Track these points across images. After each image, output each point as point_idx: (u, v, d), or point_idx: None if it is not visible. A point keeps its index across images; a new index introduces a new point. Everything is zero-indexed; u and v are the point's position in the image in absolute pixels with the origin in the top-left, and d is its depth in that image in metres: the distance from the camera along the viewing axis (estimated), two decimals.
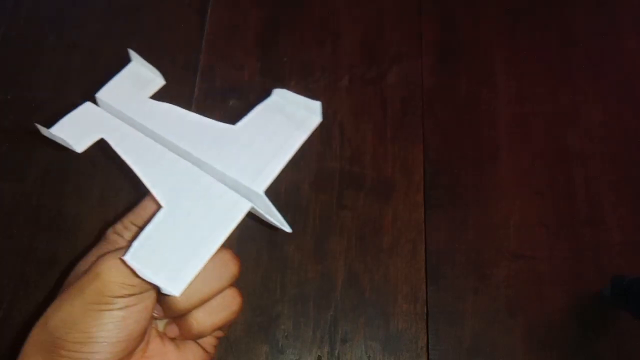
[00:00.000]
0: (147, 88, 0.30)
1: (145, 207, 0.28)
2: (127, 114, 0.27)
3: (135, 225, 0.28)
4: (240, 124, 0.26)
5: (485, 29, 0.51)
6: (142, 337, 0.25)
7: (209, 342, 0.28)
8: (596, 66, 0.49)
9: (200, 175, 0.25)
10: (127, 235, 0.28)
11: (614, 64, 0.49)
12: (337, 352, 0.41)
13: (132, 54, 0.29)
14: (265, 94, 0.49)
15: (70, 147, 0.26)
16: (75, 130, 0.27)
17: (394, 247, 0.43)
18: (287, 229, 0.25)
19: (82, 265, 0.27)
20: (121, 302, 0.23)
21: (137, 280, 0.23)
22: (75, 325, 0.23)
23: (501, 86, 0.48)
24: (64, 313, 0.23)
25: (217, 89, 0.49)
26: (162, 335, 0.27)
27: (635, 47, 0.50)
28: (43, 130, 0.26)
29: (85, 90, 0.50)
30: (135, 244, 0.22)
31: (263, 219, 0.25)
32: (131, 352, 0.24)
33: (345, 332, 0.41)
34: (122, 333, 0.23)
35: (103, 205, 0.45)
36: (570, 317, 0.41)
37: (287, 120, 0.26)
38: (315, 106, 0.26)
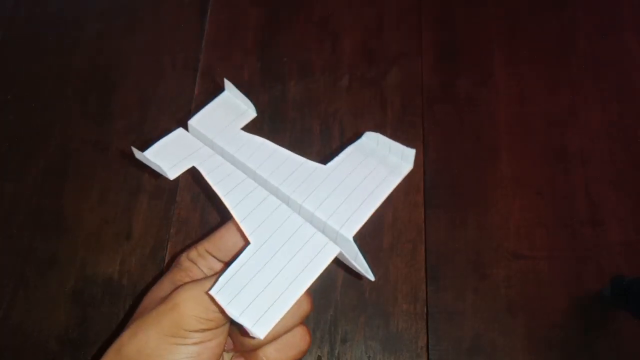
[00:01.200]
0: (239, 119, 0.29)
1: (222, 236, 0.27)
2: (218, 143, 0.27)
3: (210, 254, 0.28)
4: (331, 164, 0.26)
5: (485, 29, 0.51)
6: None
7: None
8: (596, 66, 0.49)
9: (289, 214, 0.24)
10: (202, 263, 0.28)
11: (614, 64, 0.49)
12: (337, 352, 0.41)
13: (227, 83, 0.29)
14: (265, 94, 0.49)
15: (163, 174, 0.26)
16: (168, 157, 0.27)
17: (394, 247, 0.43)
18: (371, 277, 0.24)
19: (156, 291, 0.26)
20: (197, 336, 0.23)
21: (214, 315, 0.23)
22: (151, 355, 0.23)
23: (501, 86, 0.48)
24: (139, 342, 0.23)
25: (217, 89, 0.49)
26: None
27: (635, 47, 0.50)
28: (137, 153, 0.26)
29: (85, 90, 0.50)
30: (222, 279, 0.22)
31: (347, 263, 0.25)
32: None
33: (345, 332, 0.41)
34: None
35: (103, 205, 0.45)
36: (570, 317, 0.41)
37: (378, 165, 0.26)
38: (409, 153, 0.26)
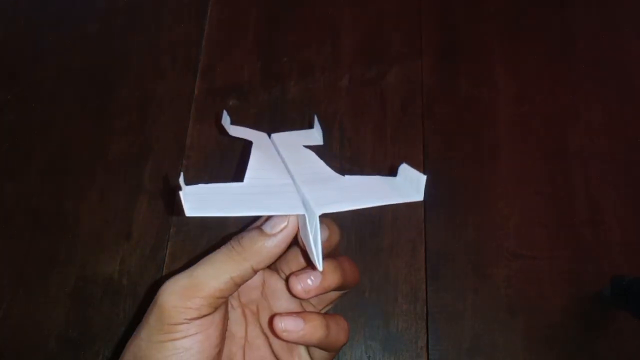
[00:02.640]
0: (306, 140, 0.36)
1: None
2: (278, 147, 0.33)
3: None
4: (351, 176, 0.28)
5: (485, 29, 0.51)
6: None
7: None
8: (596, 66, 0.49)
9: (288, 183, 0.26)
10: None
11: (614, 64, 0.49)
12: None
13: (316, 120, 0.38)
14: (265, 94, 0.49)
15: (227, 130, 0.35)
16: (241, 131, 0.36)
17: (394, 247, 0.43)
18: (319, 266, 0.24)
19: None
20: (182, 329, 0.23)
21: (193, 302, 0.23)
22: (143, 358, 0.23)
23: (501, 86, 0.48)
24: (135, 347, 0.23)
25: (217, 89, 0.49)
26: None
27: (635, 47, 0.50)
28: (224, 118, 0.34)
29: (85, 90, 0.50)
30: (198, 185, 0.23)
31: (306, 245, 0.25)
32: None
33: None
34: None
35: (103, 205, 0.45)
36: (570, 317, 0.41)
37: (390, 185, 0.27)
38: (421, 183, 0.26)
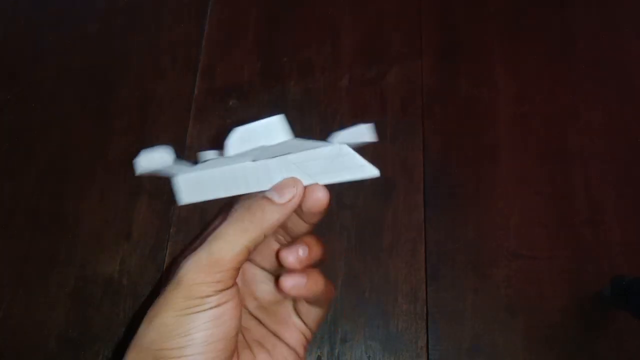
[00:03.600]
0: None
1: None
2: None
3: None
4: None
5: (485, 29, 0.51)
6: (236, 337, 0.25)
7: (299, 341, 0.29)
8: (596, 66, 0.49)
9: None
10: None
11: (614, 64, 0.49)
12: (337, 352, 0.41)
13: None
14: (265, 94, 0.49)
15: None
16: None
17: (394, 247, 0.43)
18: (376, 172, 0.26)
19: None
20: (212, 300, 0.24)
21: (219, 275, 0.24)
22: (173, 332, 0.23)
23: (501, 86, 0.48)
24: (157, 326, 0.24)
25: (217, 89, 0.49)
26: (251, 346, 0.28)
27: (635, 47, 0.50)
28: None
29: (85, 90, 0.50)
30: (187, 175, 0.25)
31: (336, 180, 0.26)
32: (230, 356, 0.25)
33: (345, 332, 0.41)
34: (220, 330, 0.24)
35: (103, 205, 0.45)
36: (570, 317, 0.41)
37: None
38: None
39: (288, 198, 0.25)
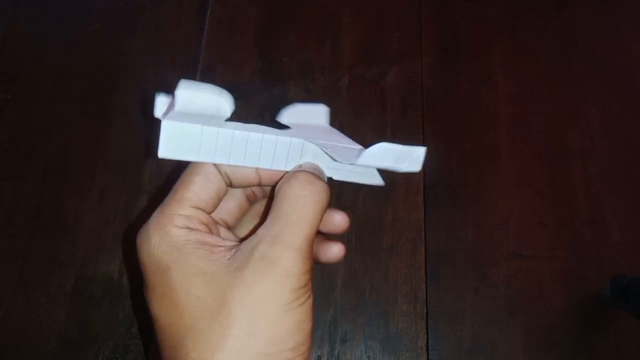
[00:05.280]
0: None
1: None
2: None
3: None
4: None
5: (485, 29, 0.51)
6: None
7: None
8: (596, 66, 0.49)
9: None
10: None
11: (614, 64, 0.49)
12: (336, 352, 0.41)
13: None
14: (265, 94, 0.49)
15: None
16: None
17: (394, 247, 0.43)
18: (382, 181, 0.25)
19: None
20: (306, 292, 0.22)
21: (310, 262, 0.22)
22: (289, 330, 0.21)
23: (501, 86, 0.48)
24: (267, 328, 0.20)
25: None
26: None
27: (635, 47, 0.50)
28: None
29: (85, 90, 0.50)
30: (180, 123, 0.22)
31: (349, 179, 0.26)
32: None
33: (345, 332, 0.41)
34: (310, 325, 0.22)
35: (103, 205, 0.45)
36: (570, 317, 0.41)
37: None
38: (419, 154, 0.26)
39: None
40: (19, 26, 0.52)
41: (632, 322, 0.40)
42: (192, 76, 0.49)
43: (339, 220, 0.25)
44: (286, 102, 0.49)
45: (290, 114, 0.26)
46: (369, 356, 0.40)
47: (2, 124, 0.48)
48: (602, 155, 0.46)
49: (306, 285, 0.21)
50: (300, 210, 0.22)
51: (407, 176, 0.45)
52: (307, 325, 0.21)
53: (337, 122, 0.47)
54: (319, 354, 0.41)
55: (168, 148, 0.21)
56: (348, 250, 0.43)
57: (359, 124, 0.47)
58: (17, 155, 0.47)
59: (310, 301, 0.22)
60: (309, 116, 0.27)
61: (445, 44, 0.50)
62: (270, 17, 0.52)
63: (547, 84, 0.48)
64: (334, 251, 0.25)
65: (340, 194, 0.44)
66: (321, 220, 0.23)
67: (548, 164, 0.46)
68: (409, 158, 0.26)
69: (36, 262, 0.43)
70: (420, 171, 0.45)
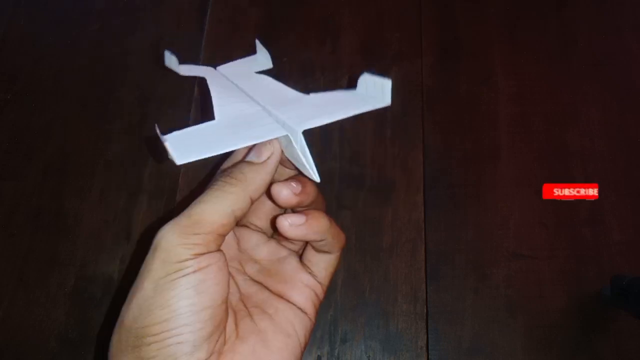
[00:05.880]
0: (256, 67, 0.35)
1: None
2: (230, 77, 0.32)
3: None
4: (315, 94, 0.28)
5: (485, 29, 0.51)
6: (224, 305, 0.23)
7: (308, 298, 0.27)
8: (596, 66, 0.49)
9: (258, 110, 0.27)
10: None
11: (614, 64, 0.49)
12: (336, 352, 0.41)
13: (258, 45, 0.35)
14: None
15: (177, 71, 0.32)
16: (190, 69, 0.33)
17: (394, 247, 0.43)
18: (316, 177, 0.24)
19: None
20: (191, 264, 0.22)
21: (198, 238, 0.22)
22: (153, 305, 0.21)
23: (501, 86, 0.48)
24: (138, 301, 0.22)
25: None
26: (252, 313, 0.26)
27: (635, 47, 0.50)
28: (168, 58, 0.32)
29: (85, 90, 0.50)
30: (176, 132, 0.24)
31: (295, 164, 0.25)
32: (219, 325, 0.23)
33: (345, 332, 0.41)
34: (204, 298, 0.22)
35: (103, 205, 0.45)
36: (570, 317, 0.41)
37: (356, 96, 0.27)
38: (386, 87, 0.27)
39: (266, 156, 0.25)
40: (19, 26, 0.52)
41: (632, 322, 0.40)
42: (192, 76, 0.49)
43: (285, 193, 0.25)
44: None
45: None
46: (369, 356, 0.40)
47: (2, 124, 0.48)
48: (602, 155, 0.46)
49: (186, 260, 0.22)
50: (203, 196, 0.24)
51: (407, 176, 0.45)
52: (178, 302, 0.21)
53: (337, 122, 0.47)
54: (319, 354, 0.41)
55: (180, 154, 0.22)
56: (348, 250, 0.43)
57: (359, 124, 0.47)
58: (17, 155, 0.47)
59: (193, 276, 0.22)
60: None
61: (445, 44, 0.50)
62: (270, 17, 0.52)
63: (547, 84, 0.48)
64: (283, 192, 0.25)
65: (340, 194, 0.44)
66: (232, 205, 0.24)
67: (548, 164, 0.46)
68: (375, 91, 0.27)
69: (36, 262, 0.43)
70: (421, 171, 0.46)
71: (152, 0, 0.53)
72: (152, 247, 0.22)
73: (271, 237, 0.29)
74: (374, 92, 0.27)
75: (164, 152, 0.22)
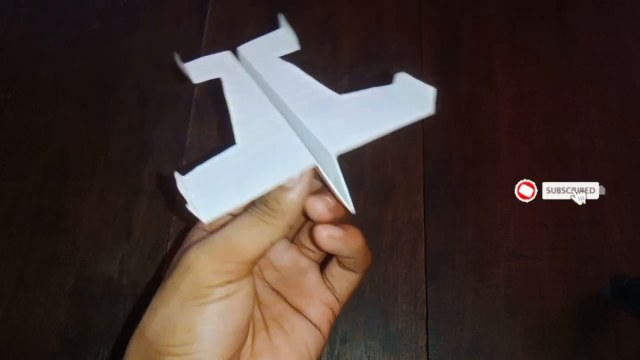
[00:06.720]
0: (280, 49, 0.32)
1: None
2: (253, 65, 0.30)
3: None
4: (348, 95, 0.26)
5: (485, 29, 0.51)
6: (247, 328, 0.23)
7: (324, 315, 0.26)
8: (596, 66, 0.49)
9: (284, 127, 0.25)
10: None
11: (614, 64, 0.49)
12: (336, 351, 0.41)
13: (282, 20, 0.32)
14: None
15: (190, 78, 0.29)
16: (203, 68, 0.30)
17: (394, 247, 0.43)
18: (351, 208, 0.23)
19: (177, 257, 0.25)
20: (221, 291, 0.22)
21: (231, 266, 0.22)
22: (177, 326, 0.21)
23: (501, 86, 0.48)
24: (162, 317, 0.22)
25: (217, 89, 0.49)
26: (268, 326, 0.26)
27: (635, 47, 0.49)
28: (179, 61, 0.29)
29: (85, 90, 0.50)
30: (197, 169, 0.22)
31: (330, 189, 0.24)
32: (240, 348, 0.23)
33: (345, 332, 0.41)
34: (229, 325, 0.22)
35: (103, 205, 0.45)
36: (570, 317, 0.41)
37: (393, 101, 0.25)
38: (430, 95, 0.25)
39: (298, 179, 0.23)
40: (19, 26, 0.52)
41: (632, 322, 0.40)
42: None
43: (319, 208, 0.24)
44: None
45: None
46: (369, 356, 0.40)
47: (2, 124, 0.48)
48: (602, 155, 0.46)
49: (216, 286, 0.22)
50: (241, 220, 0.23)
51: (407, 176, 0.45)
52: (203, 327, 0.21)
53: None
54: None
55: (206, 210, 0.21)
56: None
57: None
58: (17, 155, 0.47)
59: (221, 304, 0.22)
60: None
61: (445, 44, 0.50)
62: (270, 17, 0.52)
63: (547, 84, 0.48)
64: (317, 207, 0.24)
65: None
66: (273, 237, 0.23)
67: (548, 164, 0.46)
68: (417, 98, 0.25)
69: (36, 262, 0.43)
70: (421, 171, 0.46)
71: (152, 0, 0.53)
72: (183, 265, 0.22)
73: (292, 241, 0.29)
74: (412, 96, 0.25)
75: (182, 200, 0.21)
